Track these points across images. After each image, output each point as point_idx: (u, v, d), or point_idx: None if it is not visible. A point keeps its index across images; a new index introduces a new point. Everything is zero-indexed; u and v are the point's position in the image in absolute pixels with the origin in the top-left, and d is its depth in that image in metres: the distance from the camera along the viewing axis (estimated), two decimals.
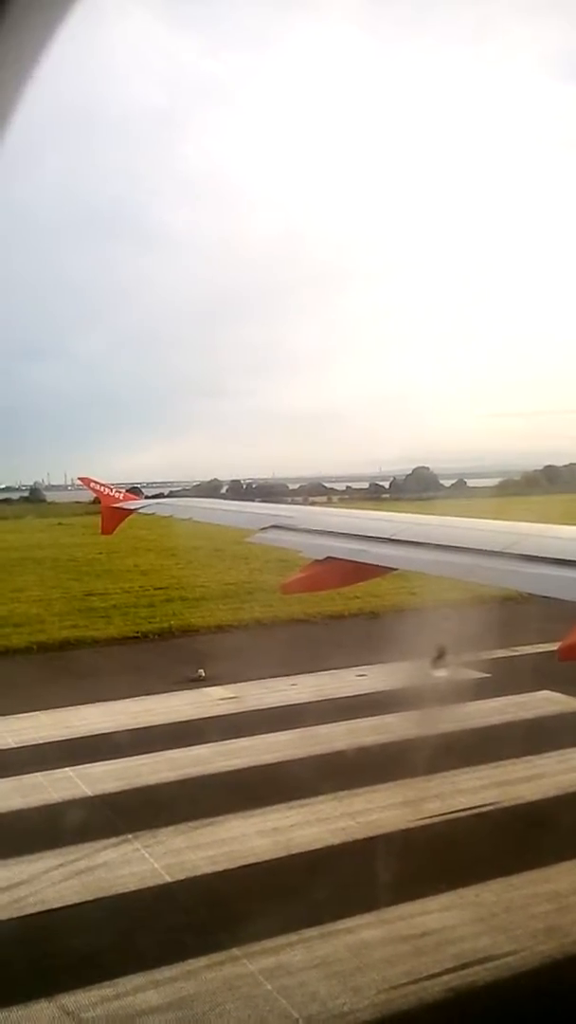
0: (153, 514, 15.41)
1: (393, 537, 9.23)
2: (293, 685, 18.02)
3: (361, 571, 9.16)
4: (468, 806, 11.46)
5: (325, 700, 16.82)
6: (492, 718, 15.10)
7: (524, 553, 7.54)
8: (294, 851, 10.42)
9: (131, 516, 15.75)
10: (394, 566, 9.04)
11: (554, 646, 6.42)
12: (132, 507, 15.85)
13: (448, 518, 10.31)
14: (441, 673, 14.35)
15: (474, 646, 16.62)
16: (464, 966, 7.90)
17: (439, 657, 14.20)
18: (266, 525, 11.38)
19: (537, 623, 13.49)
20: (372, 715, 15.22)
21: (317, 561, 9.25)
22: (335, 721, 15.10)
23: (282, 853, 10.38)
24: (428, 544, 8.82)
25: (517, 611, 18.57)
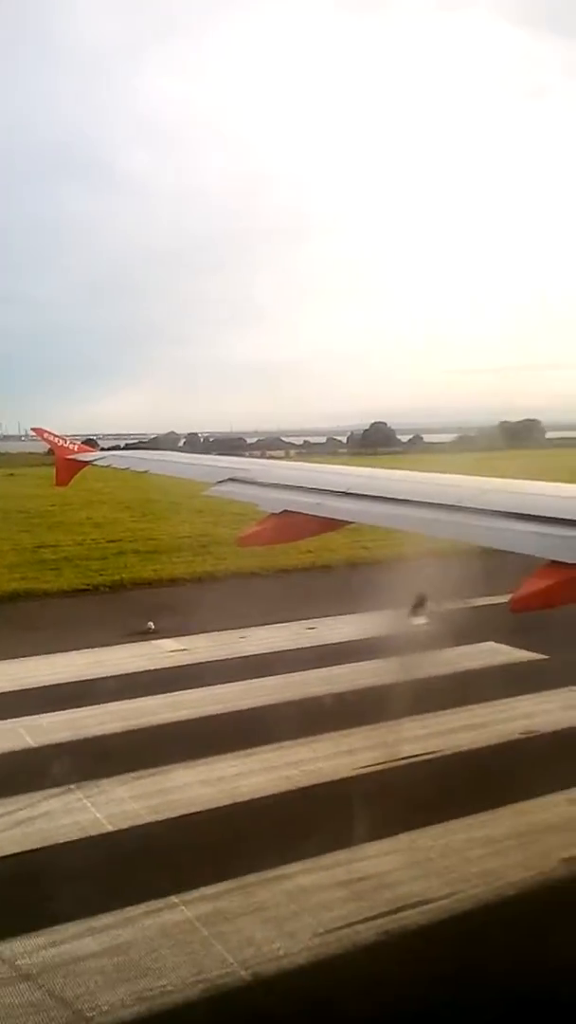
0: (109, 466, 15.07)
1: (349, 491, 9.16)
2: (243, 638, 18.04)
3: (317, 524, 9.08)
4: (410, 754, 11.62)
5: (274, 652, 16.88)
6: (437, 669, 15.27)
7: (480, 507, 7.52)
8: (237, 799, 10.49)
9: (86, 468, 15.44)
10: (350, 519, 8.98)
11: (502, 599, 6.42)
12: (87, 459, 15.54)
13: (404, 472, 10.26)
14: (391, 624, 14.43)
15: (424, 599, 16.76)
16: (398, 910, 8.05)
17: (398, 608, 14.26)
18: (223, 478, 11.21)
19: (489, 576, 13.58)
20: (320, 667, 15.34)
21: (273, 514, 9.15)
22: (283, 672, 15.19)
23: (226, 802, 10.45)
24: (385, 498, 8.76)
25: (470, 565, 18.74)
